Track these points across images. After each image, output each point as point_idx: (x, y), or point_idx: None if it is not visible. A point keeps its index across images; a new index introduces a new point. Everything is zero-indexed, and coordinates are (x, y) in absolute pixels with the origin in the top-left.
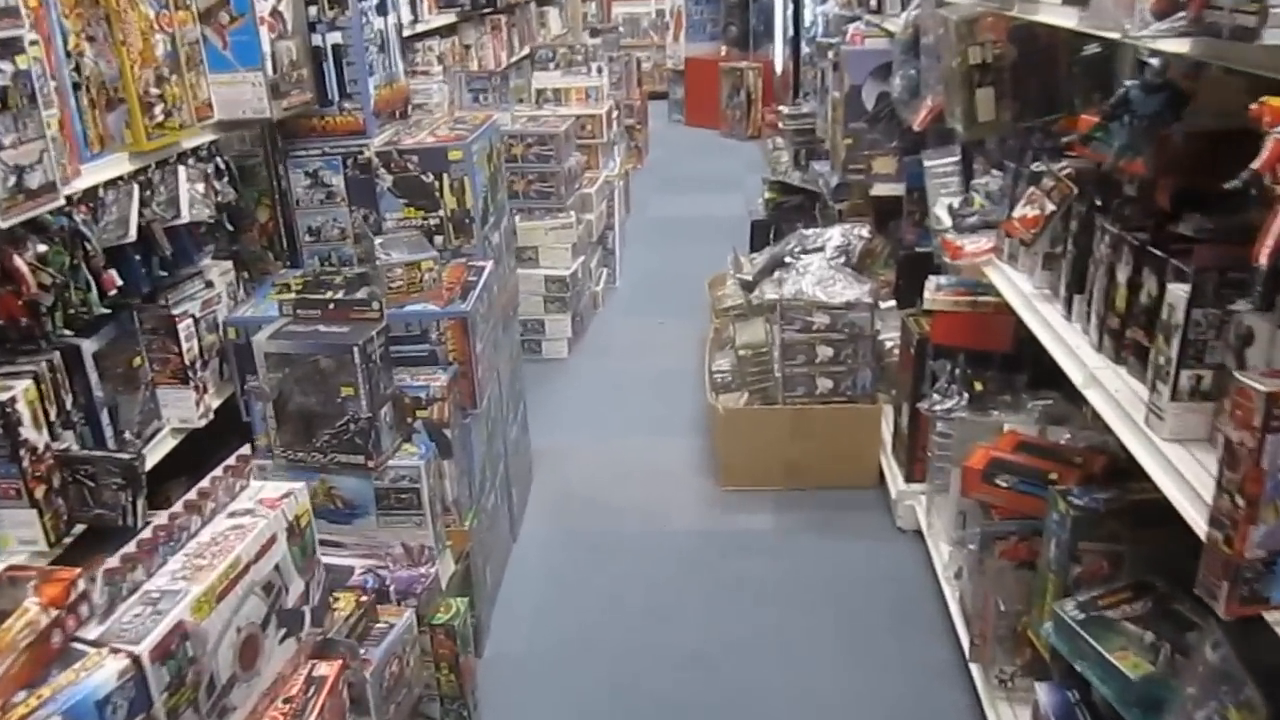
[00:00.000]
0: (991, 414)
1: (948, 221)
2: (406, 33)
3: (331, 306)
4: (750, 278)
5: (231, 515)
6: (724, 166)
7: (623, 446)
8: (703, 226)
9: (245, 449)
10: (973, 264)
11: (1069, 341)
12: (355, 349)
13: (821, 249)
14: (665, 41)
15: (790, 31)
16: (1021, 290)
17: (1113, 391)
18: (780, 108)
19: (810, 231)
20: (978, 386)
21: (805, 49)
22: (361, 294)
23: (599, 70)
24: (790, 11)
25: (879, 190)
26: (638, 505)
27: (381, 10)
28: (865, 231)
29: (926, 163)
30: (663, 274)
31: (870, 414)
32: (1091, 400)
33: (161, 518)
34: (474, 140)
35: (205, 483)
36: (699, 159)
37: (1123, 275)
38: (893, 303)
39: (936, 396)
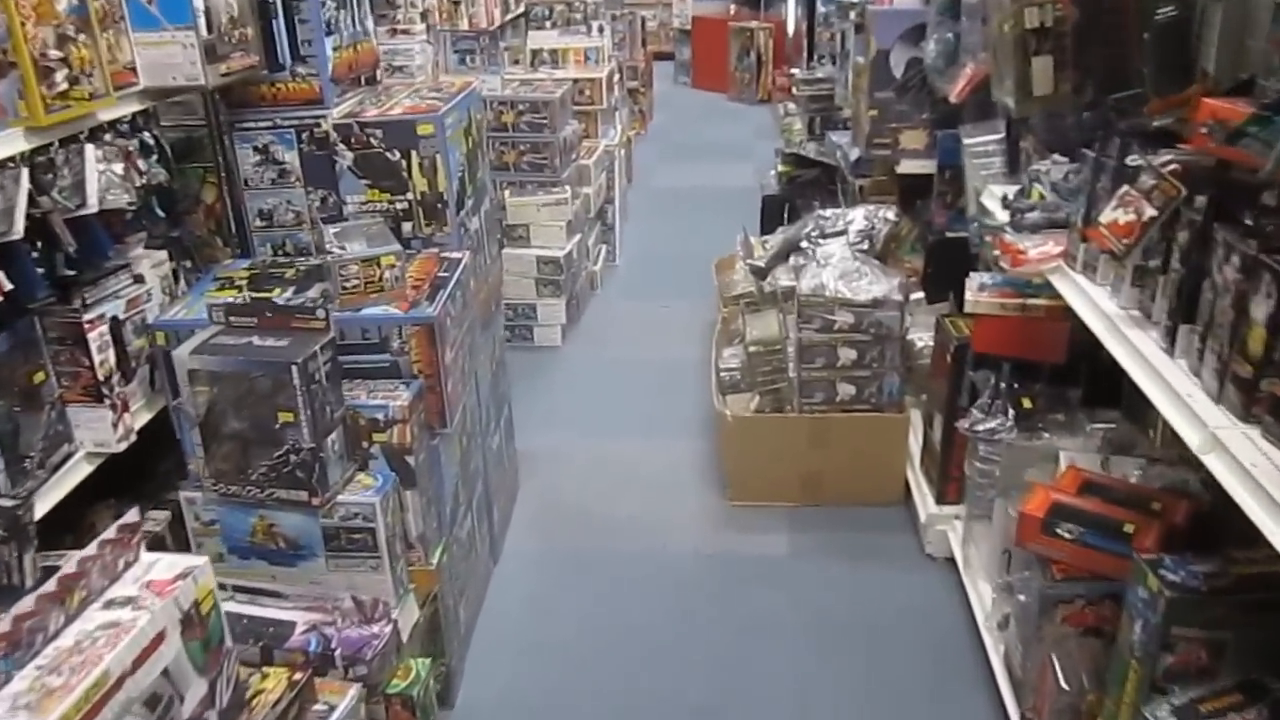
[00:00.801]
0: (1042, 436)
1: (1002, 216)
2: None
3: (269, 314)
4: (763, 264)
5: (108, 606)
6: (732, 133)
7: (619, 450)
8: (710, 198)
9: (133, 514)
10: (1037, 271)
11: (1174, 385)
12: (294, 368)
13: (842, 233)
14: None
15: None
16: (1101, 309)
17: (1248, 465)
18: (793, 71)
19: (829, 212)
20: (1026, 403)
21: (821, 8)
22: (313, 292)
23: (600, 30)
24: None
25: (906, 167)
26: (635, 521)
27: None
28: (891, 214)
29: (965, 140)
30: (666, 252)
31: (896, 424)
32: (1214, 470)
33: (27, 602)
34: (448, 111)
35: (72, 565)
36: (706, 124)
37: (1261, 310)
38: (920, 295)
39: (978, 414)
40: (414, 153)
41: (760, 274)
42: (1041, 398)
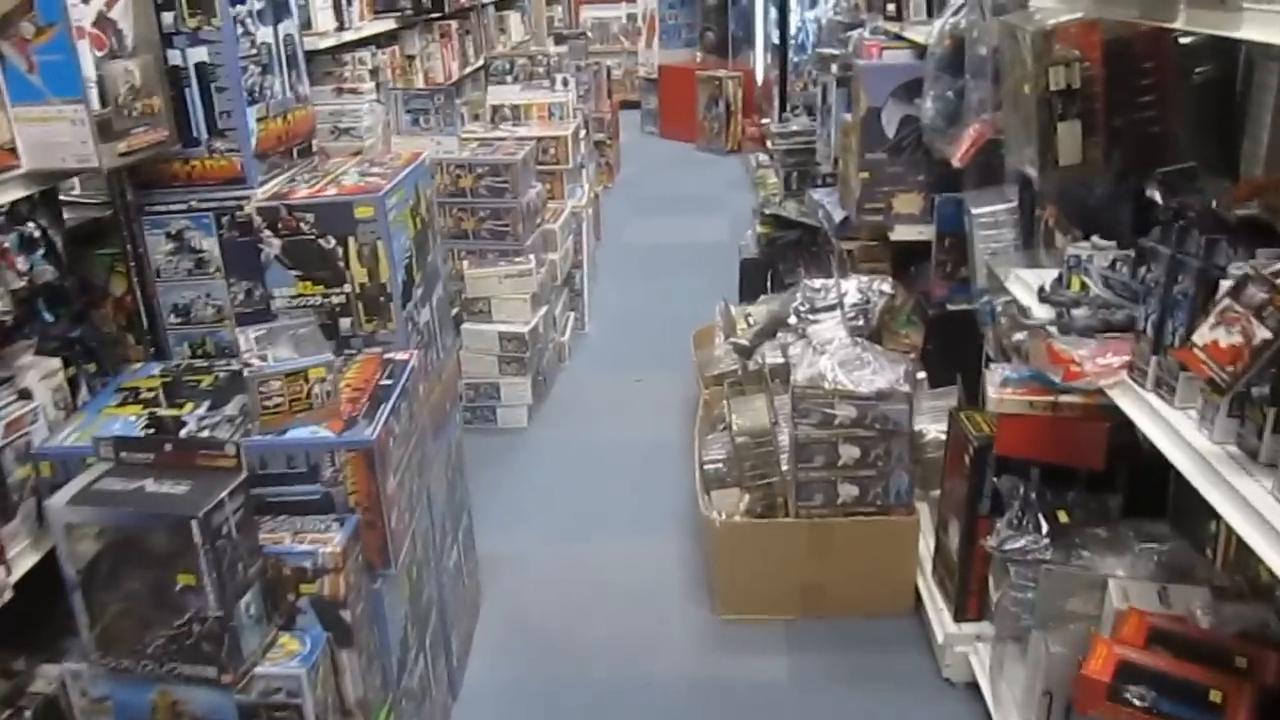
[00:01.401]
0: (1082, 555)
1: (1041, 312)
2: (330, 43)
3: (168, 449)
4: (747, 341)
5: None
6: (703, 183)
7: (593, 553)
8: (683, 255)
9: None
10: (1096, 387)
11: None
12: (195, 524)
13: (834, 307)
14: (637, 47)
15: (775, 38)
16: (1189, 442)
17: None
18: (764, 121)
19: (818, 283)
20: (1060, 516)
21: (794, 57)
22: (231, 408)
23: (564, 83)
24: (774, 16)
25: (901, 234)
26: (612, 642)
27: (273, 15)
28: (887, 286)
29: (973, 210)
30: (639, 315)
31: (906, 528)
32: None
33: None
34: (391, 190)
35: None
36: (676, 175)
37: None
38: (922, 375)
39: (1006, 530)
40: (351, 239)
41: (745, 353)
42: (1078, 508)
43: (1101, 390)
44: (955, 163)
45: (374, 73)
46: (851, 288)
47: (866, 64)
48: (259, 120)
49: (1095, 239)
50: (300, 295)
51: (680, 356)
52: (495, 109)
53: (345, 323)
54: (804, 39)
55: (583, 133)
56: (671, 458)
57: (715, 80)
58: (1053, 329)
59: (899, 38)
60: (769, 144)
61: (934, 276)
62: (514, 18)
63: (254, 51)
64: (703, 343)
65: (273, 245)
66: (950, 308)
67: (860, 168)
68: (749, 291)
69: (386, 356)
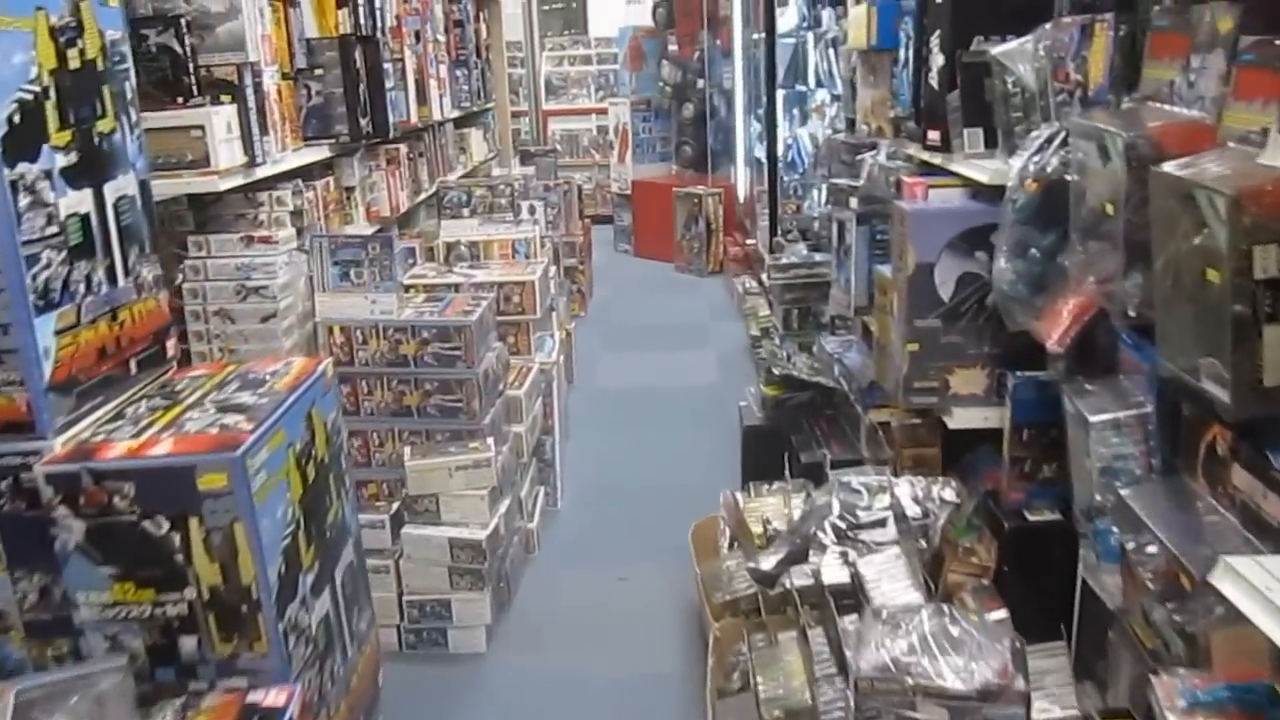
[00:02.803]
0: None
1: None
2: (236, 182)
3: None
4: (770, 568)
5: None
6: (685, 310)
7: None
8: (669, 402)
9: None
10: None
11: None
12: None
13: (881, 524)
14: (609, 161)
15: (760, 154)
16: None
17: None
18: (750, 242)
19: (857, 482)
20: None
21: (785, 177)
22: None
23: (530, 212)
24: (756, 131)
25: (962, 419)
26: None
27: (94, 172)
28: (950, 493)
29: (1089, 414)
30: (621, 485)
31: None
32: None
33: None
34: (260, 439)
35: None
36: (654, 301)
37: None
38: (1004, 614)
39: None
40: (194, 521)
41: (768, 581)
42: None
43: None
44: (1050, 346)
45: (296, 215)
46: (903, 495)
47: (914, 209)
48: (61, 332)
49: None
50: (118, 603)
51: (671, 543)
52: (449, 247)
53: (188, 644)
54: (793, 155)
55: (553, 270)
56: (672, 700)
57: (694, 197)
58: None
59: (943, 171)
60: (764, 277)
61: (1008, 476)
62: (475, 135)
63: (51, 231)
64: (703, 543)
65: (71, 529)
66: (1030, 517)
67: (908, 337)
68: (756, 468)
69: (250, 700)
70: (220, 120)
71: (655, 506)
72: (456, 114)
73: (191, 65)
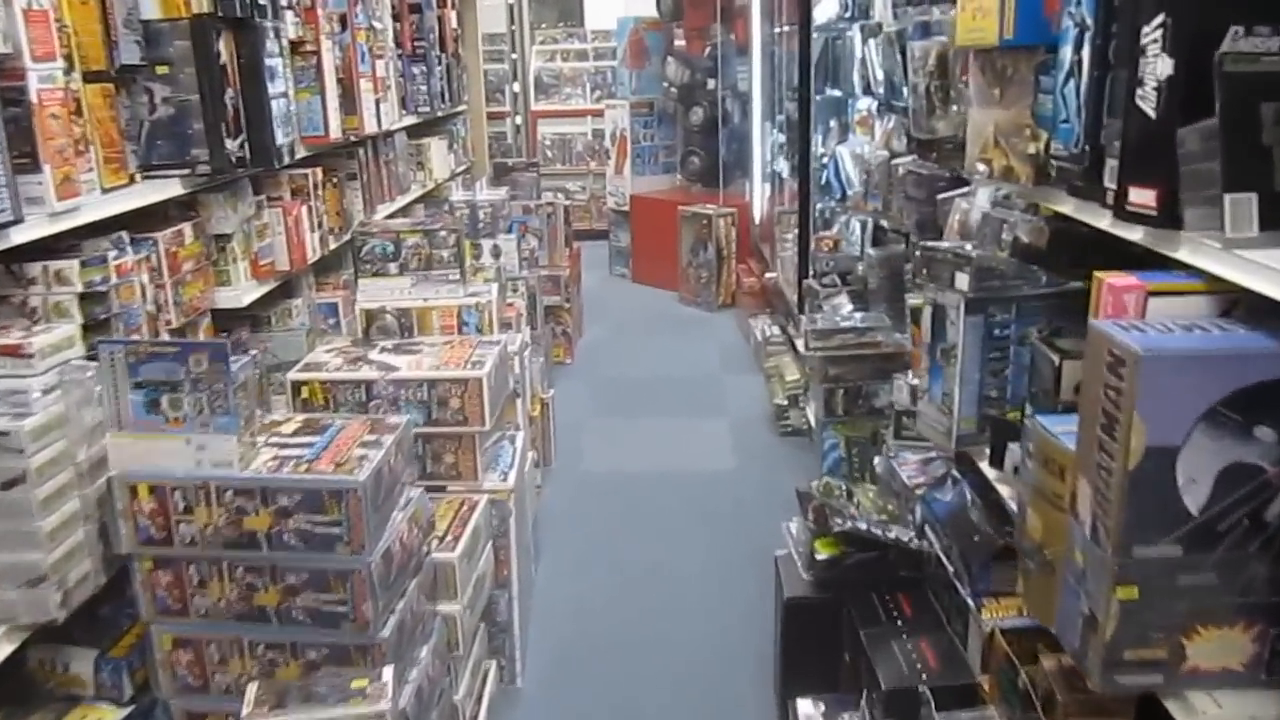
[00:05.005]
0: None
1: None
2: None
3: None
4: None
5: None
6: (692, 357)
7: None
8: (671, 498)
9: None
10: None
11: None
12: None
13: None
14: (605, 169)
15: (784, 171)
16: None
17: None
18: (771, 275)
19: None
20: None
21: (820, 203)
22: None
23: (494, 254)
24: (777, 142)
25: (1200, 708)
26: None
27: None
28: None
29: None
30: (607, 641)
31: None
32: None
33: None
34: None
35: None
36: (655, 345)
37: None
38: None
39: None
40: None
41: None
42: None
43: None
44: None
45: (94, 299)
46: None
47: (1147, 347)
48: None
49: None
50: None
51: None
52: (370, 317)
53: None
54: (828, 176)
55: (520, 358)
56: None
57: (702, 218)
58: None
59: (1158, 263)
60: (800, 347)
61: None
62: (438, 147)
63: None
64: None
65: None
66: None
67: (1120, 576)
68: (799, 661)
69: None
70: None
71: (660, 682)
72: (411, 122)
73: None
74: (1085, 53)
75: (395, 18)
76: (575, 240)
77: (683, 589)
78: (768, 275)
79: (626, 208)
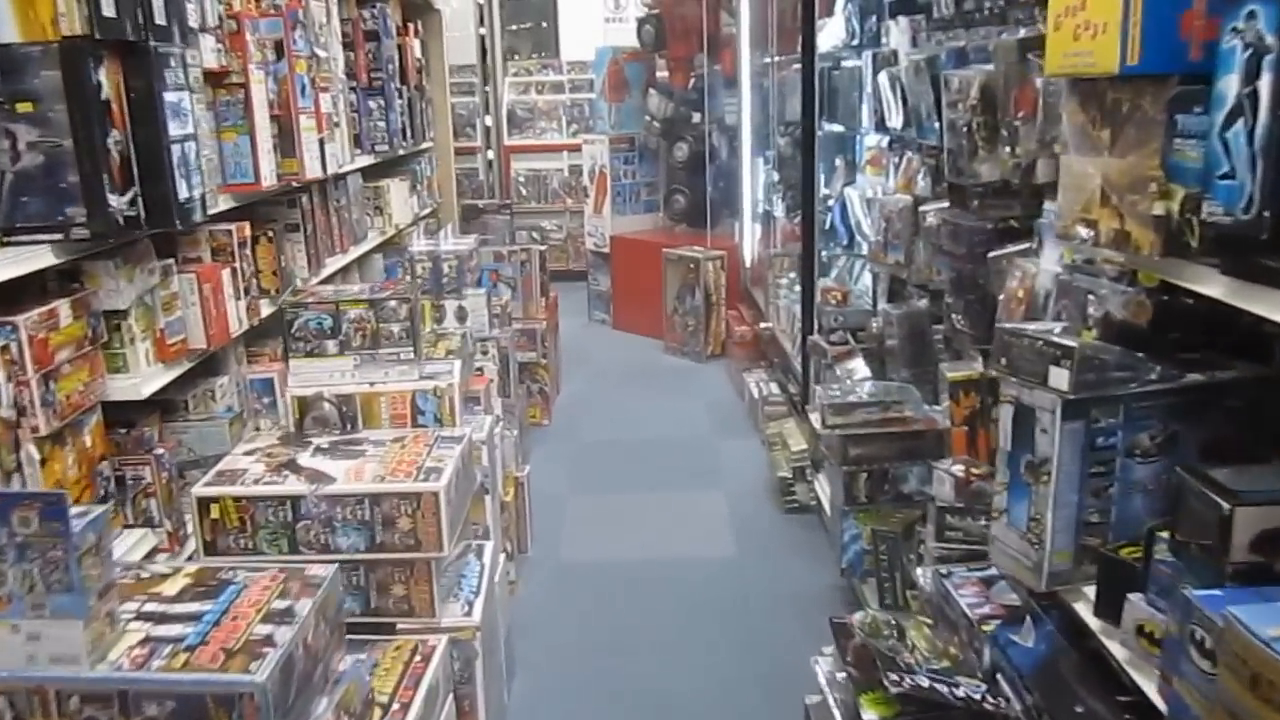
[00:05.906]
0: None
1: None
2: None
3: None
4: None
5: None
6: (680, 416)
7: None
8: (667, 596)
9: None
10: None
11: None
12: None
13: None
14: (583, 207)
15: (778, 211)
16: None
17: None
18: (765, 325)
19: None
20: None
21: (824, 252)
22: None
23: (459, 316)
24: (770, 180)
25: None
26: None
27: None
28: None
29: None
30: None
31: None
32: None
33: None
34: None
35: None
36: (640, 403)
37: None
38: None
39: None
40: None
41: None
42: None
43: None
44: None
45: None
46: None
47: None
48: None
49: None
50: None
51: None
52: (304, 406)
53: None
54: (833, 220)
55: (496, 412)
56: None
57: (689, 261)
58: None
59: None
60: (816, 422)
61: None
62: (398, 189)
63: None
64: None
65: None
66: None
67: None
68: None
69: None
70: None
71: None
72: (367, 162)
73: None
74: (1265, 83)
75: (347, 46)
76: (552, 283)
77: (682, 689)
78: (762, 325)
79: (606, 249)
